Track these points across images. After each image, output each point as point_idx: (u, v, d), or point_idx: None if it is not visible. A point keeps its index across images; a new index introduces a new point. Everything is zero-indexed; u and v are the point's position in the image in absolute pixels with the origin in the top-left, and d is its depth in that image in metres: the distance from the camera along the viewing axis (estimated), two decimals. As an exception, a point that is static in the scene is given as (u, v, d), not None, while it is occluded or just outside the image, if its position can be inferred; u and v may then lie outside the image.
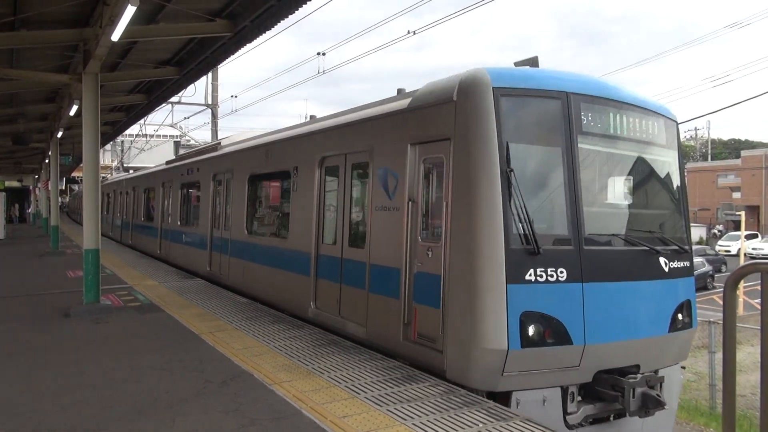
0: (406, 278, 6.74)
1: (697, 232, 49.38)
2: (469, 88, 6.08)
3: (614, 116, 6.49)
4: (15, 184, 47.04)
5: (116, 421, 5.03)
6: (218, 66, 23.83)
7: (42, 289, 12.46)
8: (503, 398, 5.73)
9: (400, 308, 6.77)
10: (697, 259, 21.95)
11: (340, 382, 6.04)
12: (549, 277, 5.74)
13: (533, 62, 6.81)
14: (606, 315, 5.97)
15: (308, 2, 8.71)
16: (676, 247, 6.66)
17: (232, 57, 12.81)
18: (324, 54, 21.12)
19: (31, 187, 47.47)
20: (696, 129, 79.92)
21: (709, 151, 77.97)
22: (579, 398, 6.07)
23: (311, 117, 11.00)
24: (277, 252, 10.13)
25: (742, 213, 29.89)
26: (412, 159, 6.82)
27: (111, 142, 44.13)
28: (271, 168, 10.73)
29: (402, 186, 6.90)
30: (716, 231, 53.27)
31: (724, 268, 33.00)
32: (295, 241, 9.42)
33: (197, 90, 40.98)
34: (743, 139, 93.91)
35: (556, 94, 6.16)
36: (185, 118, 38.39)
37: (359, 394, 5.70)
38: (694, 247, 7.11)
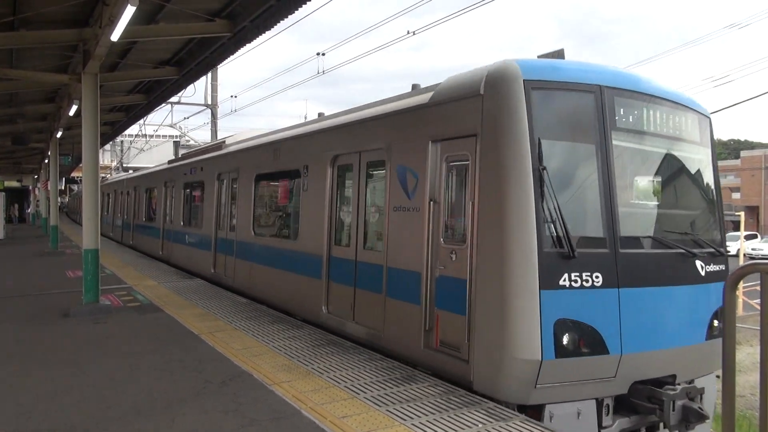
0: (428, 282, 6.41)
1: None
2: (497, 81, 5.73)
3: (648, 111, 6.14)
4: (14, 184, 47.04)
5: (116, 421, 5.03)
6: (218, 66, 23.85)
7: (41, 289, 12.45)
8: (535, 412, 5.41)
9: (420, 314, 6.44)
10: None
11: (339, 383, 6.04)
12: (584, 283, 5.42)
13: (559, 56, 6.44)
14: (642, 322, 5.66)
15: (308, 2, 8.70)
16: (712, 250, 6.34)
17: (232, 57, 12.83)
18: (324, 54, 21.13)
19: (30, 187, 47.48)
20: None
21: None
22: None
23: (321, 114, 10.64)
24: (286, 254, 9.80)
25: (742, 213, 29.91)
26: (433, 157, 6.49)
27: (110, 143, 44.11)
28: (280, 167, 10.39)
29: (422, 185, 6.57)
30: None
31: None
32: (306, 243, 9.12)
33: (197, 90, 40.81)
34: (743, 139, 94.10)
35: (589, 87, 5.82)
36: (185, 118, 38.41)
37: (359, 394, 5.70)
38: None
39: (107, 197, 30.96)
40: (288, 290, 9.70)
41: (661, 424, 5.80)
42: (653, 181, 6.49)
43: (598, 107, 5.82)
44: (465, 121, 6.05)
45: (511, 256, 5.38)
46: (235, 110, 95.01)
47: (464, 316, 5.84)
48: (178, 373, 6.42)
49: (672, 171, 6.52)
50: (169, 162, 19.37)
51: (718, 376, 6.96)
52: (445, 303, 6.20)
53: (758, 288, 3.50)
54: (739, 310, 18.48)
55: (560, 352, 5.29)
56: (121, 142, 49.40)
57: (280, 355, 7.06)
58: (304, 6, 8.83)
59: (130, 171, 32.39)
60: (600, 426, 5.64)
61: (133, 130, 32.78)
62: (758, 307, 3.83)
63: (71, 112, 14.67)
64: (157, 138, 41.62)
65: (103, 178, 34.38)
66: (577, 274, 5.41)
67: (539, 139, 5.48)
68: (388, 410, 5.27)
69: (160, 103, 18.45)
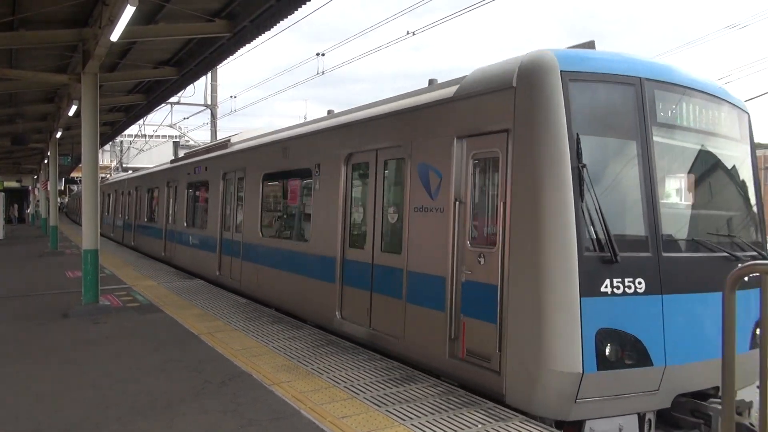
0: (452, 288, 6.08)
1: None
2: (532, 72, 5.37)
3: (687, 105, 5.81)
4: (14, 184, 47.03)
5: (115, 422, 5.02)
6: (217, 66, 23.85)
7: (41, 289, 12.44)
8: (573, 428, 5.10)
9: (444, 321, 6.11)
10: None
11: (339, 383, 6.03)
12: (626, 289, 5.08)
13: (589, 47, 6.04)
14: (686, 331, 5.32)
15: (308, 2, 8.69)
16: (755, 253, 5.98)
17: (232, 57, 12.80)
18: (323, 54, 21.13)
19: (30, 188, 47.46)
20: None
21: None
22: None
23: (330, 111, 10.33)
24: (297, 256, 9.45)
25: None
26: (458, 154, 6.13)
27: (110, 143, 44.10)
28: (290, 166, 10.02)
29: (447, 185, 6.22)
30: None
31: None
32: (318, 245, 8.77)
33: (196, 90, 40.87)
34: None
35: (628, 79, 5.49)
36: (184, 118, 38.44)
37: (358, 394, 5.69)
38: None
39: (108, 197, 30.81)
40: (298, 294, 9.37)
41: None
42: (694, 179, 6.17)
43: (638, 100, 5.49)
44: (495, 116, 5.70)
45: (549, 261, 5.04)
46: (235, 110, 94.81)
47: (494, 324, 5.52)
48: (177, 373, 6.42)
49: (712, 169, 6.16)
50: (172, 161, 19.10)
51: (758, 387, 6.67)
52: (473, 310, 5.86)
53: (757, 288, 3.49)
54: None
55: (602, 364, 4.96)
56: (121, 142, 49.41)
57: (279, 356, 7.06)
58: (304, 6, 8.82)
59: (130, 171, 32.38)
60: None
61: (133, 130, 32.83)
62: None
63: (71, 112, 14.67)
64: (156, 138, 41.64)
65: (102, 178, 34.37)
66: (619, 279, 5.07)
67: (577, 135, 5.14)
68: (387, 410, 5.26)
69: (160, 104, 18.44)
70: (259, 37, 10.26)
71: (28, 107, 18.17)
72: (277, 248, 10.28)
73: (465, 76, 6.45)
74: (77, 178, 54.55)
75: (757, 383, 5.96)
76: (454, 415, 5.17)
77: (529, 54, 5.63)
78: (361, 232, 7.98)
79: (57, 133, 19.93)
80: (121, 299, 11.04)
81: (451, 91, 6.45)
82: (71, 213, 57.19)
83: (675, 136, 5.79)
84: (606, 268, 5.05)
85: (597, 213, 5.11)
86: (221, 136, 27.38)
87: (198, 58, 12.04)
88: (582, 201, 5.08)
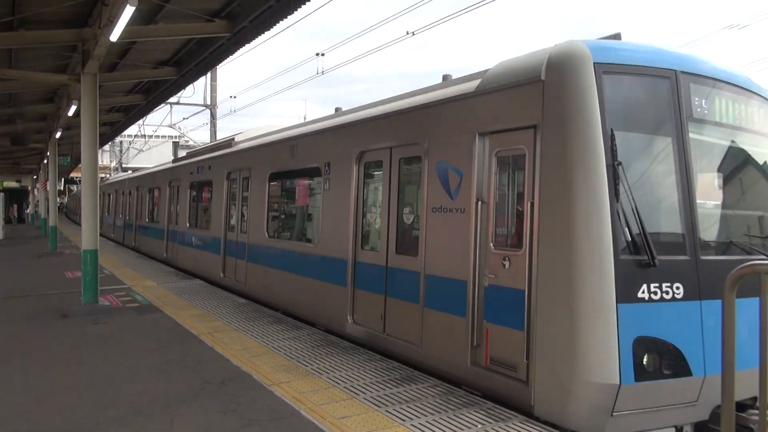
0: (474, 292, 5.80)
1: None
2: (563, 64, 5.09)
3: (722, 100, 5.54)
4: (13, 184, 47.05)
5: (114, 422, 5.02)
6: (217, 66, 23.83)
7: (40, 289, 12.43)
8: None
9: (466, 327, 5.85)
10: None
11: (339, 383, 6.03)
12: (664, 295, 4.82)
13: (616, 40, 5.77)
14: None
15: (308, 2, 8.69)
16: None
17: (231, 57, 12.79)
18: (323, 55, 21.12)
19: (29, 188, 47.46)
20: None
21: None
22: None
23: (338, 109, 10.08)
24: (305, 258, 9.16)
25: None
26: (480, 152, 5.85)
27: (109, 143, 44.11)
28: (298, 165, 9.72)
29: (467, 184, 5.94)
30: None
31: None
32: (328, 247, 8.48)
33: (196, 90, 40.96)
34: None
35: (664, 72, 5.22)
36: (184, 118, 38.55)
37: (358, 394, 5.69)
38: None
39: (108, 197, 30.65)
40: (307, 297, 9.08)
41: None
42: (728, 178, 5.85)
43: (673, 94, 5.23)
44: (521, 111, 5.42)
45: (582, 265, 4.76)
46: (234, 111, 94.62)
47: (522, 331, 5.24)
48: (177, 373, 6.41)
49: (747, 166, 5.87)
50: (174, 161, 18.80)
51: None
52: (497, 316, 5.58)
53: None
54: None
55: (640, 374, 4.68)
56: (120, 142, 49.41)
57: (279, 356, 7.05)
58: (303, 6, 8.83)
59: (130, 171, 32.38)
60: None
61: (132, 130, 32.88)
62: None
63: (70, 113, 14.67)
64: (156, 138, 41.67)
65: (102, 178, 34.36)
66: (656, 284, 4.80)
67: (612, 131, 4.89)
68: (387, 411, 5.26)
69: (159, 104, 18.44)
70: (259, 37, 10.28)
71: (28, 107, 18.18)
72: (285, 250, 9.99)
73: (487, 70, 6.18)
74: (77, 178, 54.54)
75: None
76: (454, 415, 5.16)
77: (558, 45, 5.35)
78: (374, 234, 7.74)
79: (56, 133, 19.93)
80: (121, 299, 11.03)
81: (472, 85, 6.16)
82: (71, 213, 57.19)
83: (709, 132, 5.51)
84: (643, 273, 4.80)
85: (634, 214, 4.84)
86: (221, 136, 27.38)
87: (197, 58, 12.05)
88: (617, 201, 4.81)
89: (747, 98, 5.80)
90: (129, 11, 7.65)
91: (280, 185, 10.83)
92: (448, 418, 5.10)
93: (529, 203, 5.27)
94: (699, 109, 5.37)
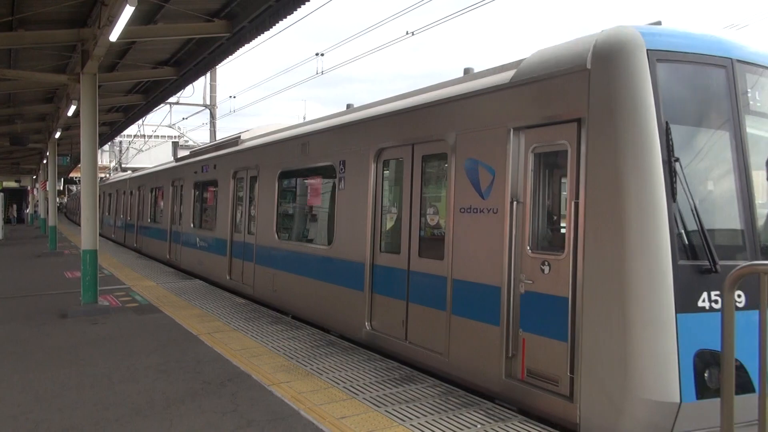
0: (509, 299, 5.44)
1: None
2: (612, 51, 4.70)
3: None
4: (13, 184, 47.08)
5: (114, 422, 5.01)
6: (216, 66, 23.83)
7: (39, 289, 12.43)
8: None
9: (500, 337, 5.48)
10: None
11: (338, 383, 6.03)
12: None
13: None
14: None
15: (307, 2, 8.69)
16: None
17: (231, 57, 12.82)
18: (322, 55, 21.12)
19: (29, 188, 47.46)
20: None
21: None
22: None
23: (350, 106, 9.71)
24: (318, 261, 8.80)
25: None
26: (515, 148, 5.47)
27: (109, 143, 44.09)
28: (310, 163, 9.34)
29: (501, 182, 5.57)
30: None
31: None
32: (342, 249, 8.15)
33: (195, 90, 40.91)
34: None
35: (720, 60, 4.83)
36: (183, 118, 38.47)
37: (358, 395, 5.69)
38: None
39: (109, 197, 30.48)
40: (320, 302, 8.73)
41: None
42: None
43: (730, 85, 4.84)
44: (563, 104, 5.03)
45: (637, 271, 4.37)
46: (234, 111, 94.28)
47: (564, 342, 4.87)
48: (176, 373, 6.41)
49: None
50: (178, 160, 18.44)
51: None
52: (535, 325, 5.21)
53: (758, 288, 3.49)
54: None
55: (702, 392, 4.28)
56: (120, 142, 49.39)
57: (278, 356, 7.05)
58: (303, 6, 8.83)
59: (129, 171, 32.38)
60: None
61: (132, 130, 32.86)
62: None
63: (70, 113, 14.66)
64: (155, 138, 41.69)
65: (101, 178, 34.34)
66: (717, 292, 4.40)
67: (667, 124, 4.52)
68: (387, 411, 5.26)
69: (159, 104, 18.44)
70: (259, 37, 10.28)
71: (27, 107, 18.18)
72: (296, 252, 9.63)
73: (522, 60, 5.77)
74: (76, 178, 54.54)
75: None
76: (454, 415, 5.16)
77: (605, 31, 4.94)
78: (395, 236, 7.31)
79: (56, 133, 19.93)
80: (120, 300, 11.03)
81: (506, 76, 5.75)
82: (70, 213, 57.17)
83: (764, 126, 5.13)
84: (703, 280, 4.41)
85: (693, 215, 4.47)
86: (220, 136, 27.36)
87: (197, 58, 12.05)
88: (674, 201, 4.46)
89: None
90: (128, 11, 7.65)
91: (290, 184, 10.47)
92: (448, 418, 5.10)
93: (572, 203, 4.88)
94: (755, 101, 5.00)
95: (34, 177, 42.41)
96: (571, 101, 4.95)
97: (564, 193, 5.13)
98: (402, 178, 7.16)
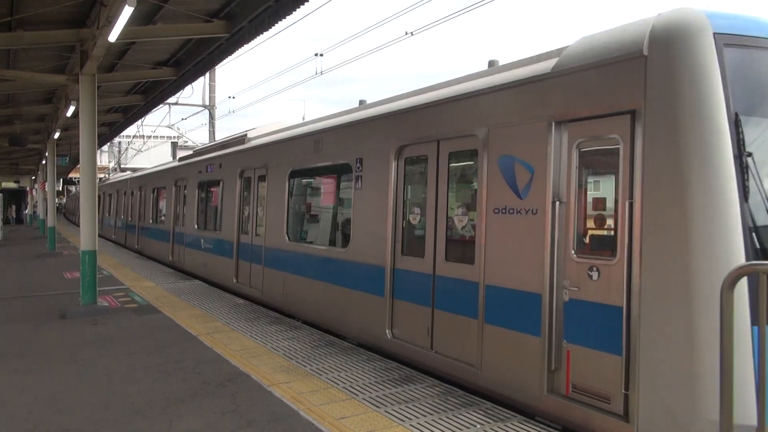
0: (552, 307, 5.03)
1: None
2: (674, 35, 4.28)
3: None
4: (12, 185, 47.06)
5: (113, 423, 5.01)
6: (216, 67, 23.82)
7: (38, 290, 12.42)
8: None
9: (541, 348, 5.06)
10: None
11: (338, 383, 6.03)
12: None
13: None
14: None
15: (307, 2, 8.69)
16: None
17: (230, 58, 12.81)
18: (322, 55, 21.12)
19: (28, 189, 47.44)
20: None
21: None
22: None
23: (363, 101, 9.43)
24: (333, 264, 8.43)
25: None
26: (557, 143, 5.06)
27: (108, 143, 44.09)
28: (323, 161, 8.92)
29: (541, 181, 5.15)
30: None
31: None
32: (360, 252, 7.75)
33: (195, 91, 40.88)
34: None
35: None
36: (182, 119, 38.44)
37: (357, 395, 5.69)
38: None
39: (109, 198, 30.34)
40: (335, 307, 8.35)
41: None
42: None
43: None
44: (614, 94, 4.61)
45: (705, 279, 3.96)
46: (233, 111, 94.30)
47: (618, 356, 4.47)
48: (175, 374, 6.41)
49: None
50: (181, 159, 18.16)
51: None
52: (582, 336, 4.81)
53: (757, 288, 3.48)
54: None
55: None
56: (119, 143, 49.41)
57: (278, 356, 7.05)
58: (302, 6, 8.82)
59: (129, 171, 32.36)
60: None
61: (131, 130, 32.86)
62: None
63: (69, 113, 14.66)
64: (154, 139, 41.68)
65: (100, 178, 34.31)
66: None
67: (737, 115, 4.12)
68: (386, 411, 5.26)
69: (158, 104, 18.44)
70: (258, 37, 10.28)
71: (26, 108, 18.17)
72: (308, 254, 9.19)
73: (565, 47, 5.36)
74: (75, 178, 54.51)
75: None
76: (453, 415, 5.16)
77: (664, 14, 4.51)
78: (418, 238, 6.87)
79: (55, 133, 19.93)
80: (120, 300, 11.02)
81: (547, 65, 5.32)
82: (69, 214, 57.13)
83: None
84: None
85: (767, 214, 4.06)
86: (219, 136, 27.35)
87: (196, 59, 12.05)
88: (746, 201, 4.03)
89: None
90: (128, 12, 7.64)
91: (301, 184, 10.08)
92: (448, 418, 5.10)
93: (627, 203, 4.49)
94: None
95: (33, 178, 42.41)
96: (623, 91, 4.54)
97: (615, 192, 4.69)
98: (426, 176, 6.76)
